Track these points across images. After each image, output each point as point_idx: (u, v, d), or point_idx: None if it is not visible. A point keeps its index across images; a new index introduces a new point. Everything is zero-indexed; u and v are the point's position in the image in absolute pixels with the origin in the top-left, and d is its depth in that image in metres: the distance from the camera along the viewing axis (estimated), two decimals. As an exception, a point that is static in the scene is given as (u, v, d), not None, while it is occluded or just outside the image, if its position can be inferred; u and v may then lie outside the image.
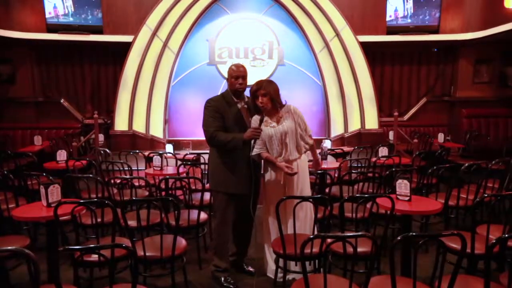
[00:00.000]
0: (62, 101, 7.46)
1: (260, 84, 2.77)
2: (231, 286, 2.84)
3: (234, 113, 2.80)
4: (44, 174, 3.55)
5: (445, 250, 2.09)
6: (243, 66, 2.85)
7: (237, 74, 2.78)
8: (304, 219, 2.81)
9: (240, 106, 2.85)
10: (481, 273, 2.26)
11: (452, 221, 3.69)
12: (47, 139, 6.40)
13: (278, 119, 2.85)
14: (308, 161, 3.06)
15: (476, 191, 3.40)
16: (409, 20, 7.25)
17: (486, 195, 2.62)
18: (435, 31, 7.22)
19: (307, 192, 2.94)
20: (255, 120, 2.77)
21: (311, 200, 2.63)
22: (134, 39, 6.71)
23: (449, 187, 3.51)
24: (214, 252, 2.96)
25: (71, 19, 6.88)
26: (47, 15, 6.78)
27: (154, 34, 6.72)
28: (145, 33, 6.71)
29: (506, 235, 1.79)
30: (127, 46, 6.71)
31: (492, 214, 2.64)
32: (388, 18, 7.25)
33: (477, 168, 3.59)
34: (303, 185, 2.89)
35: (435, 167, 3.61)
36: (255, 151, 2.80)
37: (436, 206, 2.60)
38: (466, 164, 3.51)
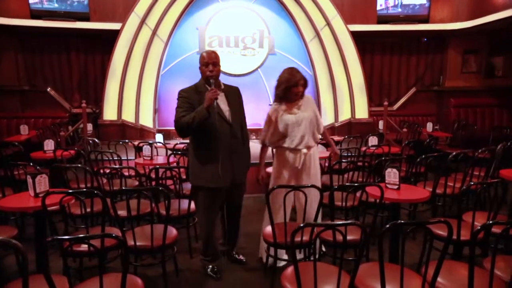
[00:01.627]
0: (48, 90, 7.31)
1: (300, 75, 2.89)
2: (213, 275, 2.85)
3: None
4: (31, 164, 3.49)
5: (432, 237, 2.13)
6: (214, 52, 2.70)
7: (207, 61, 2.65)
8: (310, 208, 2.72)
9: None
10: (466, 259, 2.32)
11: (439, 208, 3.77)
12: (33, 129, 6.28)
13: (299, 107, 2.90)
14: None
15: (462, 179, 3.47)
16: (399, 9, 7.25)
17: (472, 183, 2.67)
18: (425, 20, 7.24)
19: (318, 181, 2.99)
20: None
21: (301, 189, 2.65)
22: (122, 27, 6.57)
23: (437, 176, 3.57)
24: (202, 243, 2.94)
25: (56, 5, 6.69)
26: (31, 1, 6.57)
27: (142, 22, 6.60)
28: (133, 20, 6.58)
29: (491, 222, 1.83)
30: (115, 34, 6.58)
31: (478, 201, 2.69)
32: (378, 7, 7.24)
33: (464, 157, 3.65)
34: (315, 174, 2.95)
35: (423, 156, 3.66)
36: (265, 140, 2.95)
37: (424, 194, 2.64)
38: (454, 153, 3.57)
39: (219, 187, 2.68)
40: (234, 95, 2.81)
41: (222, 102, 2.70)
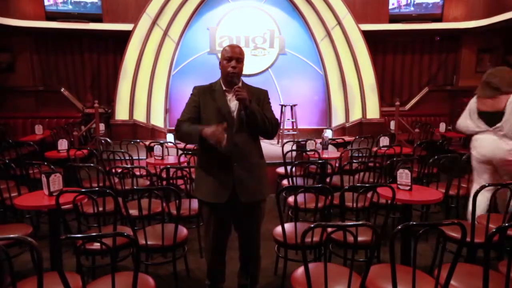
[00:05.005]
0: (62, 90, 7.44)
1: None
2: None
3: (217, 103, 2.23)
4: (46, 163, 3.55)
5: (445, 239, 2.10)
6: (239, 47, 2.26)
7: (230, 55, 2.19)
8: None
9: (230, 97, 2.24)
10: (480, 262, 2.28)
11: (452, 210, 3.71)
12: (47, 128, 6.41)
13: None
14: None
15: (477, 180, 3.40)
16: (412, 8, 7.16)
17: (486, 185, 2.62)
18: (438, 19, 7.14)
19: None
20: None
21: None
22: (134, 28, 6.65)
23: (450, 177, 3.51)
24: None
25: (70, 6, 6.81)
26: (46, 3, 6.71)
27: (154, 22, 6.66)
28: (145, 21, 6.65)
29: (506, 224, 1.79)
30: (127, 35, 6.66)
31: (492, 203, 2.64)
32: (390, 6, 7.17)
33: (478, 158, 3.57)
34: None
35: (436, 157, 3.61)
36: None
37: (436, 195, 2.60)
38: (467, 154, 3.51)
39: (214, 202, 2.23)
40: (253, 100, 2.23)
41: (233, 105, 2.25)
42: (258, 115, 2.16)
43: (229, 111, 2.23)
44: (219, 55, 7.10)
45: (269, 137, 2.34)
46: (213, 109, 2.23)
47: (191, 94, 2.32)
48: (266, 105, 2.35)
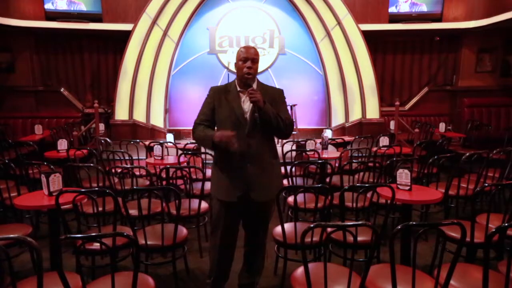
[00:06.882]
0: (62, 90, 7.44)
1: None
2: None
3: (231, 104, 2.24)
4: (45, 163, 3.55)
5: (444, 239, 2.10)
6: (254, 48, 2.28)
7: (246, 56, 2.22)
8: None
9: (244, 98, 2.26)
10: (480, 262, 2.28)
11: (452, 210, 3.71)
12: (47, 128, 6.40)
13: None
14: None
15: (476, 180, 3.40)
16: (412, 9, 7.16)
17: (486, 185, 2.62)
18: (438, 19, 7.13)
19: None
20: None
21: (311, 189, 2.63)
22: (134, 28, 6.65)
23: (450, 177, 3.51)
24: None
25: (70, 7, 6.81)
26: (46, 2, 6.70)
27: (154, 22, 6.66)
28: (145, 21, 6.65)
29: (506, 224, 1.79)
30: (127, 35, 6.66)
31: (492, 203, 2.64)
32: (390, 6, 7.16)
33: (478, 158, 3.58)
34: None
35: (435, 157, 3.61)
36: None
37: (436, 195, 2.61)
38: (467, 154, 3.51)
39: (226, 201, 2.29)
40: (267, 100, 2.20)
41: (247, 107, 2.26)
42: (272, 117, 2.18)
43: (243, 112, 2.24)
44: (219, 55, 7.18)
45: (284, 137, 2.38)
46: (227, 110, 2.26)
47: (207, 95, 2.37)
48: (281, 105, 2.35)
